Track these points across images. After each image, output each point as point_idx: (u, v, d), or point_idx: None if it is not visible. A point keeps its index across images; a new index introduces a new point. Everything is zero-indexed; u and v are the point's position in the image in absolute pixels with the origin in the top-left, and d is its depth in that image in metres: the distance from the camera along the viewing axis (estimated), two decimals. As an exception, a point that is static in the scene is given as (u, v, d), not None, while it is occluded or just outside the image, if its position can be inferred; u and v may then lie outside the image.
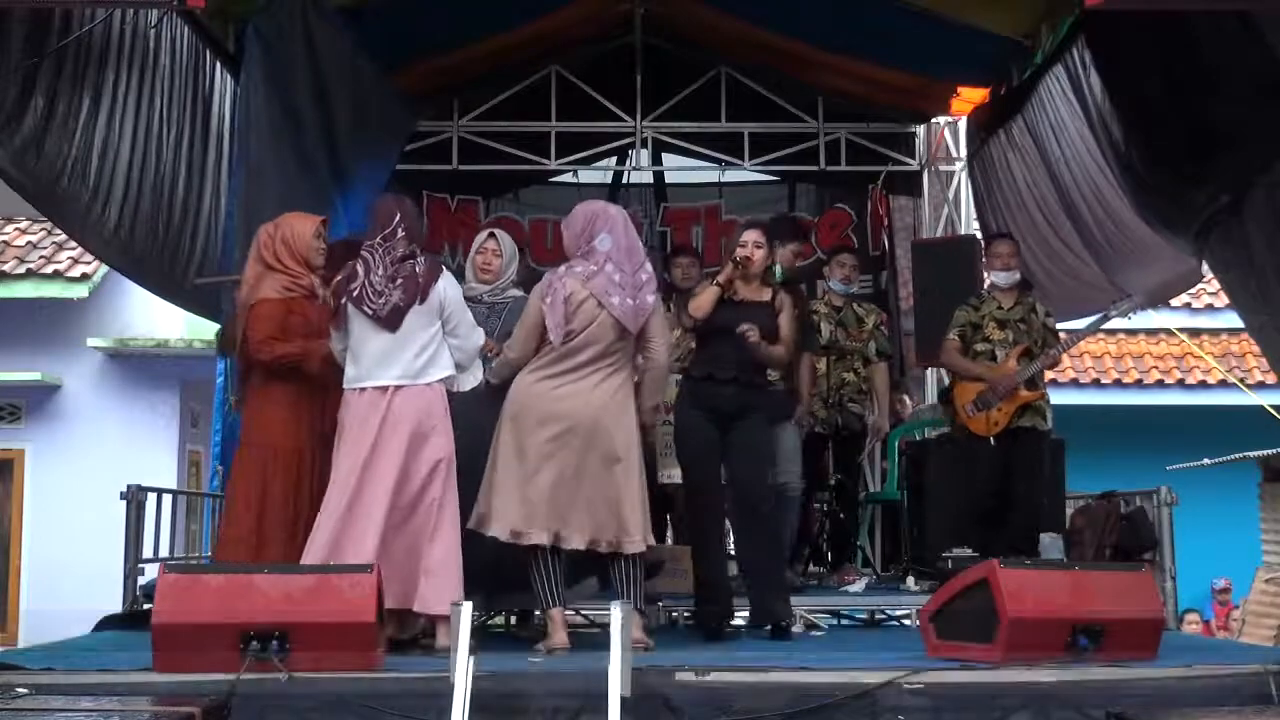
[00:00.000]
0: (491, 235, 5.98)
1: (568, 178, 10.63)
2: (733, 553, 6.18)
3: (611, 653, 4.11)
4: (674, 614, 6.70)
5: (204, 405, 12.03)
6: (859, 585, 7.34)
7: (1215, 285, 10.99)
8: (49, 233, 12.81)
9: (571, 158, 10.27)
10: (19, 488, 12.79)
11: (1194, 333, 15.07)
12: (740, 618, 6.08)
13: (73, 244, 11.73)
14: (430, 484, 5.10)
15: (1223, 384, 14.51)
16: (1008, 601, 4.63)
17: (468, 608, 4.24)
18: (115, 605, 6.32)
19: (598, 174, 10.68)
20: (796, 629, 6.14)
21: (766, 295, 5.95)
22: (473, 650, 4.17)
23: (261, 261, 5.54)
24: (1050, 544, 6.92)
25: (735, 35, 9.64)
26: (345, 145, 8.09)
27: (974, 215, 9.74)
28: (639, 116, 10.15)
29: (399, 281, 5.13)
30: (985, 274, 7.14)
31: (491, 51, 9.47)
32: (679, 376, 6.25)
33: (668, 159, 10.60)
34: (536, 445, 5.21)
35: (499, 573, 5.38)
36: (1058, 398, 14.48)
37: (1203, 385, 14.84)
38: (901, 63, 9.12)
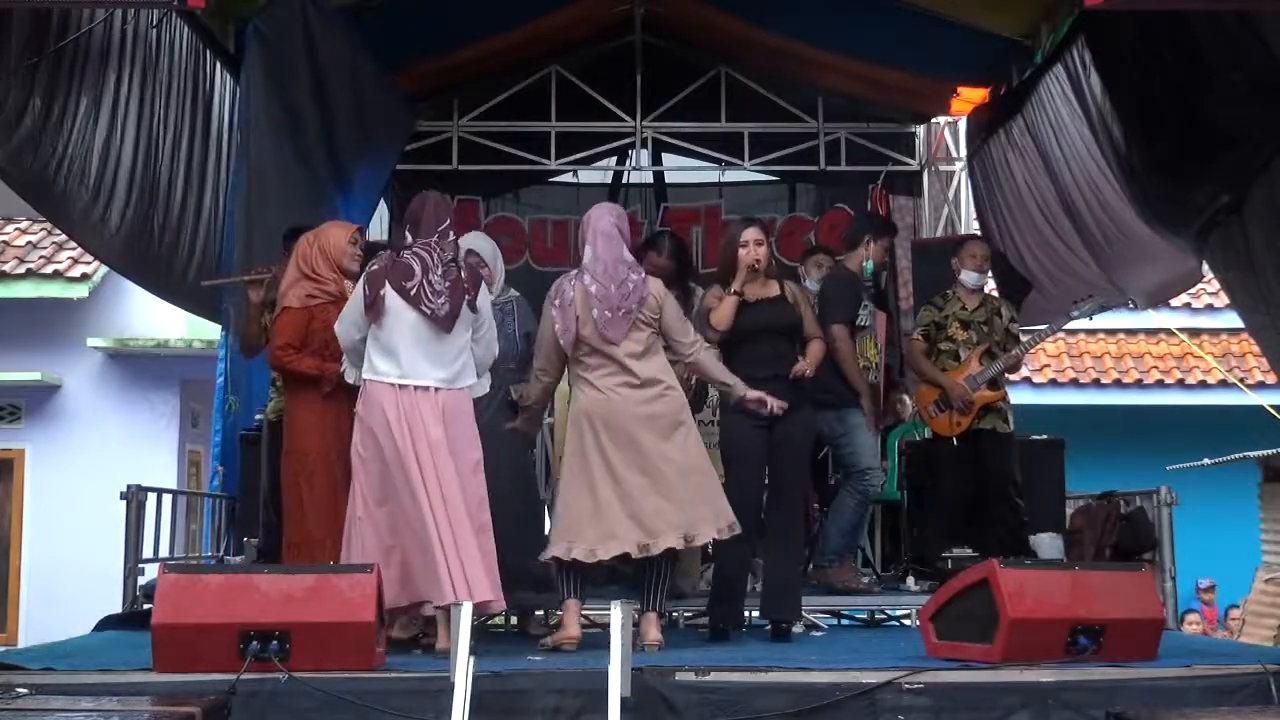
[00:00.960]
0: (469, 252, 5.95)
1: (568, 178, 10.63)
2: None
3: (611, 653, 4.11)
4: (674, 614, 6.70)
5: (204, 405, 12.02)
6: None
7: (1215, 285, 10.98)
8: (49, 233, 12.80)
9: (571, 158, 10.26)
10: (19, 488, 12.78)
11: (1194, 333, 15.06)
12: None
13: (73, 244, 11.71)
14: (474, 481, 5.12)
15: (1223, 384, 14.51)
16: (1008, 602, 4.63)
17: (468, 607, 4.24)
18: (115, 605, 6.32)
19: (598, 174, 10.68)
20: (796, 629, 6.14)
21: (775, 290, 5.94)
22: (473, 650, 4.17)
23: (297, 268, 5.60)
24: (1050, 544, 6.93)
25: (735, 35, 9.64)
26: (345, 145, 8.10)
27: (974, 215, 9.73)
28: (639, 116, 10.15)
29: (449, 284, 5.13)
30: (956, 271, 7.13)
31: (491, 51, 9.48)
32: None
33: (668, 159, 10.59)
34: (609, 456, 5.28)
35: (513, 568, 5.39)
36: (1058, 398, 14.58)
37: (1203, 385, 14.84)
38: (901, 63, 9.12)
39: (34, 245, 12.89)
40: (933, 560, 7.14)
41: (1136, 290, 7.92)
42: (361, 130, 8.32)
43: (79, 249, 11.72)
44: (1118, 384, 14.97)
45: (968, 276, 7.08)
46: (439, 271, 5.11)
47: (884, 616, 8.05)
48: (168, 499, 6.93)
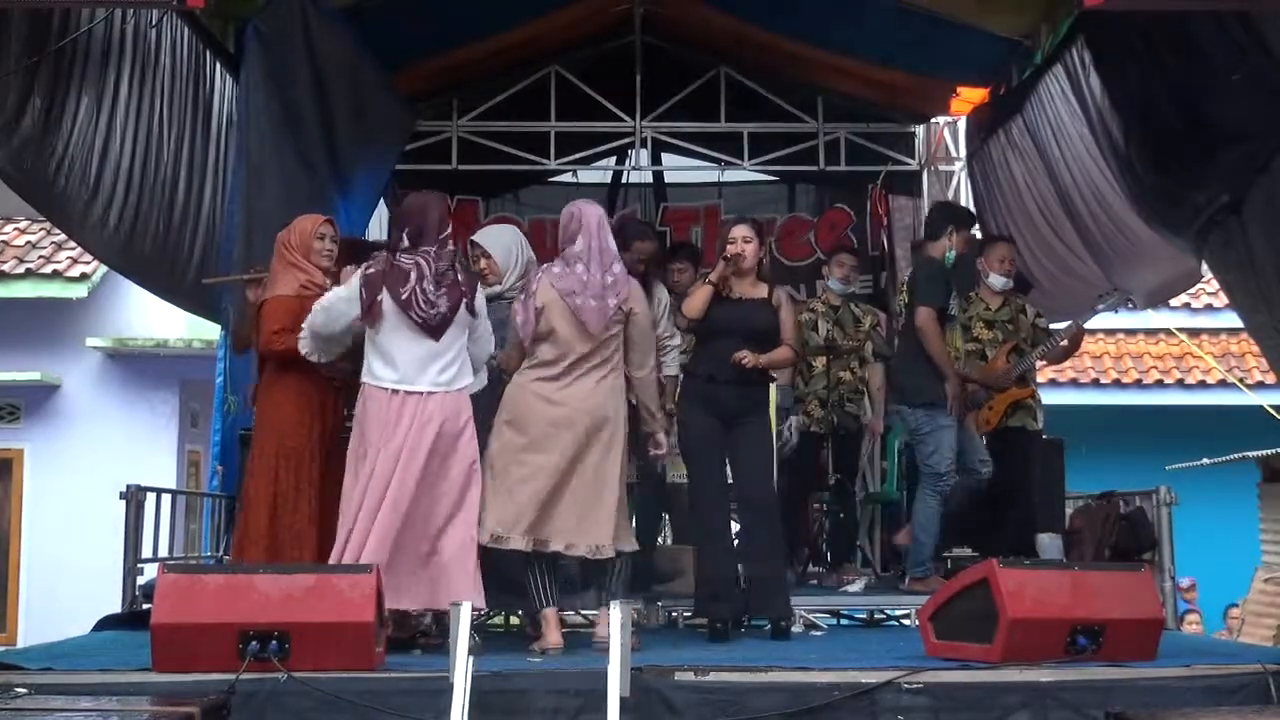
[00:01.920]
0: (475, 249, 5.93)
1: (567, 178, 10.64)
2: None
3: (611, 653, 4.11)
4: (674, 614, 6.69)
5: (204, 405, 12.01)
6: (859, 585, 7.34)
7: (1215, 285, 10.97)
8: (48, 233, 12.79)
9: (571, 158, 10.27)
10: (19, 487, 12.76)
11: (1194, 333, 15.06)
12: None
13: (72, 244, 11.70)
14: (469, 486, 5.14)
15: (1222, 384, 14.50)
16: (1007, 601, 4.63)
17: (467, 608, 4.24)
18: (115, 605, 6.32)
19: (597, 174, 10.68)
20: (796, 629, 6.14)
21: (763, 292, 5.92)
22: (473, 650, 4.17)
23: (280, 259, 5.64)
24: (1050, 544, 6.93)
25: (735, 35, 9.64)
26: (345, 145, 8.09)
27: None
28: (639, 116, 10.15)
29: (443, 290, 5.13)
30: (983, 274, 7.12)
31: (491, 51, 9.48)
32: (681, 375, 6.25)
33: (667, 159, 10.60)
34: (527, 449, 5.24)
35: (498, 573, 5.39)
36: (1058, 398, 14.55)
37: (1202, 385, 14.83)
38: (901, 63, 9.12)
39: (33, 245, 12.88)
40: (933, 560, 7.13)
41: (1136, 290, 7.92)
42: (361, 130, 8.31)
43: (78, 249, 11.72)
44: (1117, 384, 14.97)
45: (995, 280, 7.10)
46: (434, 279, 5.12)
47: (884, 616, 8.05)
48: (167, 499, 6.93)
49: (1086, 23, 6.76)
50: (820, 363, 7.56)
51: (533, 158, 10.14)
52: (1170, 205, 6.38)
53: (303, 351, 5.28)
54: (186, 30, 6.80)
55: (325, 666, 4.35)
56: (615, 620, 4.17)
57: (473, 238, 6.00)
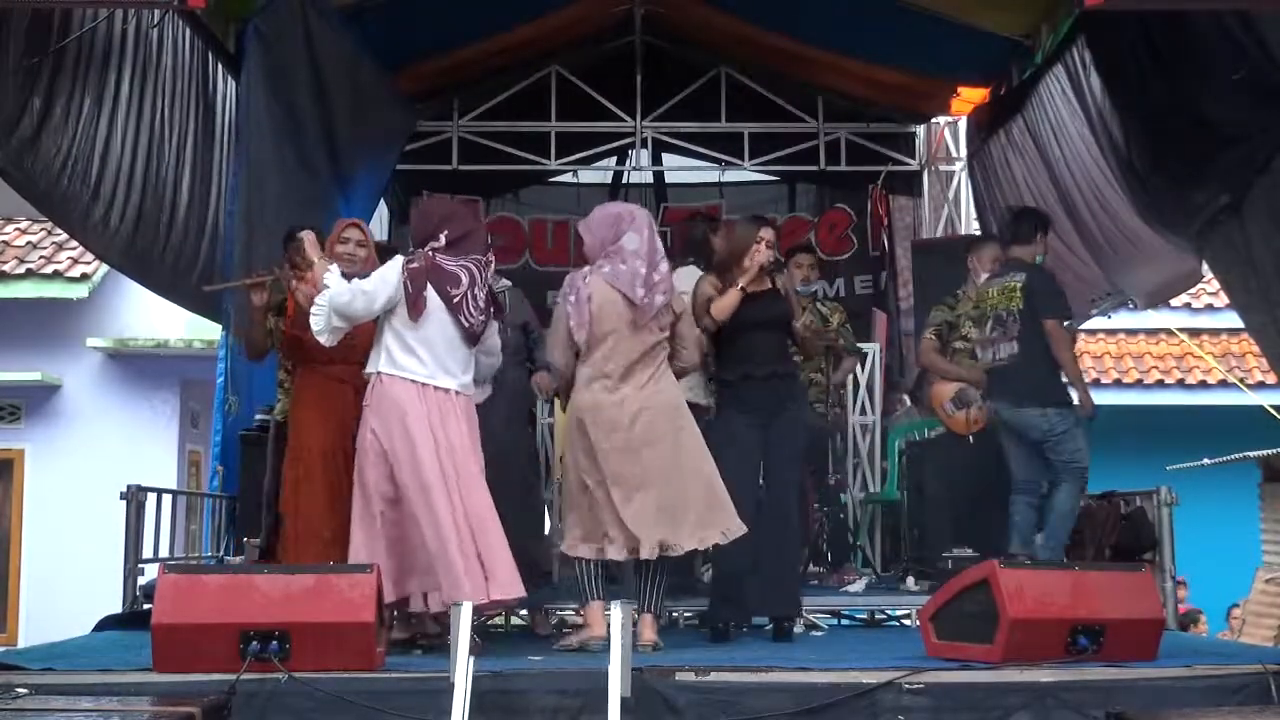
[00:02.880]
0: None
1: (568, 178, 10.64)
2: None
3: (611, 653, 4.11)
4: (674, 614, 6.69)
5: (204, 405, 12.03)
6: (859, 585, 7.34)
7: (1215, 285, 10.98)
8: (49, 233, 12.80)
9: (571, 158, 10.27)
10: (19, 488, 12.77)
11: (1194, 333, 15.06)
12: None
13: (73, 244, 11.72)
14: (482, 483, 5.19)
15: (1223, 384, 14.50)
16: (1008, 602, 4.63)
17: (468, 607, 4.24)
18: (115, 605, 6.31)
19: (598, 174, 10.69)
20: (796, 629, 6.14)
21: (767, 284, 5.95)
22: (474, 650, 4.17)
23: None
24: (1050, 544, 6.92)
25: (735, 35, 9.64)
26: (345, 145, 8.10)
27: (974, 215, 9.73)
28: (639, 116, 10.16)
29: (485, 304, 5.27)
30: (974, 273, 7.11)
31: (491, 51, 9.48)
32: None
33: (668, 159, 10.60)
34: (604, 457, 5.31)
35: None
36: (1058, 398, 14.40)
37: (1203, 385, 14.83)
38: (901, 63, 9.13)
39: (34, 245, 12.89)
40: (933, 560, 7.14)
41: (1136, 290, 7.91)
42: (361, 130, 8.31)
43: (79, 249, 11.73)
44: (1118, 384, 14.96)
45: (985, 280, 7.08)
46: (481, 288, 5.23)
47: (884, 616, 8.05)
48: (167, 499, 6.92)
49: (1087, 23, 6.76)
50: None
51: (533, 158, 10.14)
52: (1170, 205, 6.38)
53: (316, 329, 5.25)
54: (188, 31, 6.79)
55: (326, 667, 4.36)
56: (616, 620, 4.17)
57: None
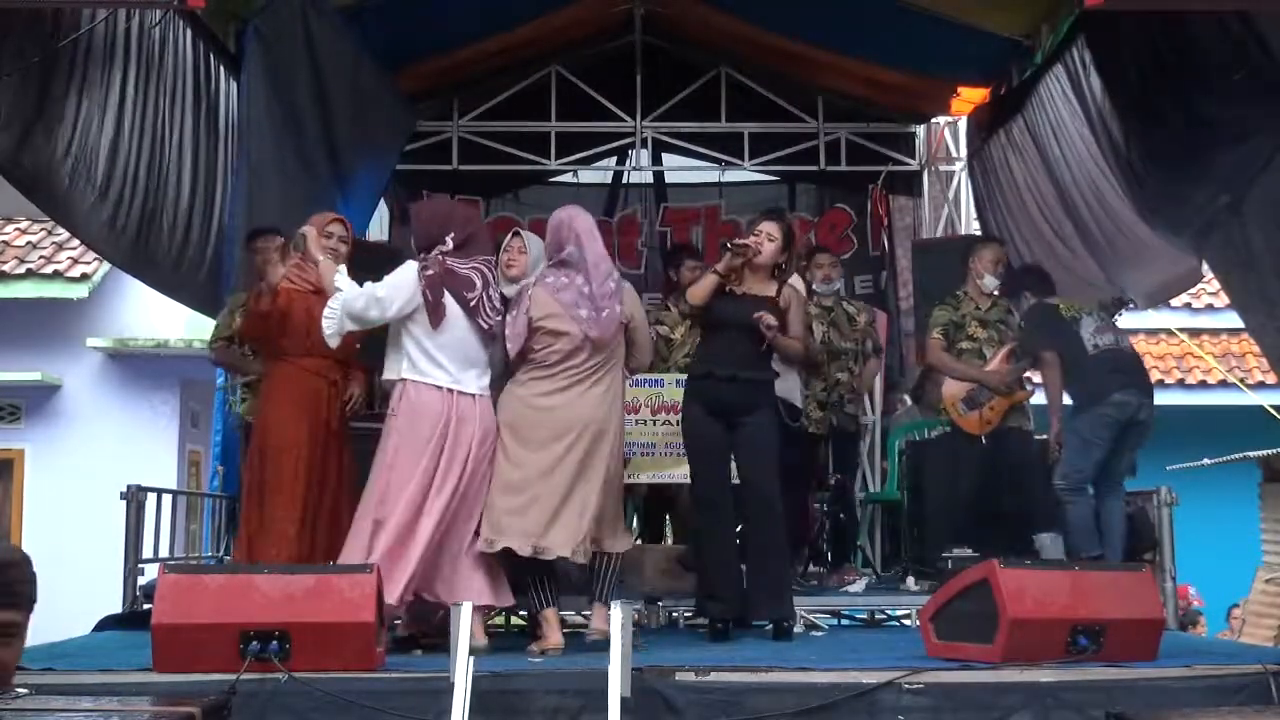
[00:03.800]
0: (516, 234, 5.86)
1: (568, 178, 10.65)
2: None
3: (611, 653, 4.11)
4: (674, 614, 6.69)
5: (204, 405, 12.01)
6: (859, 585, 7.34)
7: (1215, 285, 10.98)
8: (49, 233, 12.80)
9: (571, 158, 10.28)
10: (19, 488, 12.77)
11: (1194, 333, 15.05)
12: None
13: (73, 244, 11.73)
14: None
15: (1223, 384, 14.50)
16: (1008, 602, 4.63)
17: (468, 607, 4.24)
18: (115, 605, 6.32)
19: (598, 174, 10.69)
20: (796, 629, 6.14)
21: (772, 290, 5.81)
22: (474, 650, 4.17)
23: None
24: (1050, 544, 6.92)
25: (735, 35, 9.65)
26: (345, 145, 8.10)
27: (974, 215, 9.74)
28: (639, 116, 10.16)
29: (499, 301, 5.30)
30: (976, 274, 7.11)
31: (491, 51, 9.48)
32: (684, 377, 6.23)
33: (668, 159, 10.61)
34: (525, 454, 5.23)
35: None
36: (1058, 398, 14.39)
37: (1203, 385, 14.82)
38: (901, 63, 9.13)
39: (34, 245, 12.89)
40: (933, 560, 7.14)
41: (1136, 290, 7.92)
42: (361, 130, 8.32)
43: (79, 249, 11.74)
44: (1118, 384, 14.94)
45: (989, 281, 7.09)
46: (496, 290, 5.28)
47: (884, 616, 8.05)
48: (167, 499, 6.93)
49: (1087, 23, 6.77)
50: None
51: (533, 158, 10.15)
52: (1170, 205, 6.38)
53: (327, 332, 5.27)
54: (189, 31, 6.80)
55: (326, 667, 4.35)
56: (616, 620, 4.17)
57: (522, 231, 5.91)
